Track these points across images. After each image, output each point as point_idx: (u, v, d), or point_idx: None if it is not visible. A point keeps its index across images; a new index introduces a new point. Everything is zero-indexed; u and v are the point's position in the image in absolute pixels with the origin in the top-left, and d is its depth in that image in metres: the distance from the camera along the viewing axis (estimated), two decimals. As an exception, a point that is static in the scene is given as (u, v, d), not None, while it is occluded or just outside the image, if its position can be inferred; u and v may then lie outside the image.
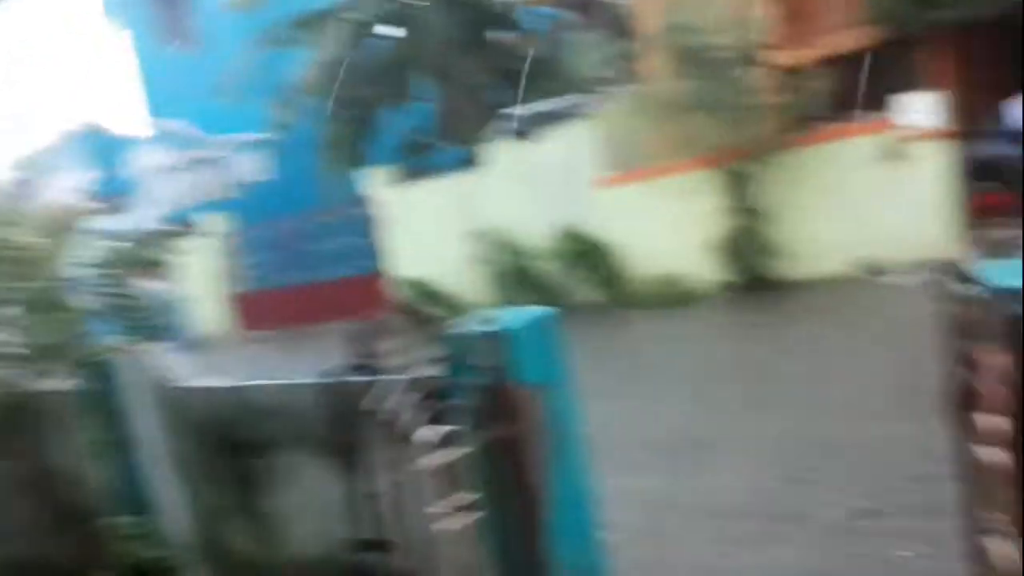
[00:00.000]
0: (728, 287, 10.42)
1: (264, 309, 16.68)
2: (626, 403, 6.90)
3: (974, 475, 1.69)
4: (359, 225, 14.90)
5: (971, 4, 8.89)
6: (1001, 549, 1.55)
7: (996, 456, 1.50)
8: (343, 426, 2.70)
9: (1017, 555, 1.52)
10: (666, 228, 10.80)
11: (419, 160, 16.52)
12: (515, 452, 2.45)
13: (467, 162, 14.18)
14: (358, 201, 14.98)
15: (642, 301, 10.99)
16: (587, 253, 11.39)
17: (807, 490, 4.62)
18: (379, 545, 2.73)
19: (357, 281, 14.77)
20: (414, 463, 2.42)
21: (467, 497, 2.40)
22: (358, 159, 15.58)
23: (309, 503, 3.08)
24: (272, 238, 16.55)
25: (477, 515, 2.42)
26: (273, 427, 3.14)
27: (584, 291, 11.85)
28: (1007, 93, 9.67)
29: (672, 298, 10.61)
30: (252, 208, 17.69)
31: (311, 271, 16.01)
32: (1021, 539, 1.44)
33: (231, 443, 3.36)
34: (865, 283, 9.30)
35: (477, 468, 2.42)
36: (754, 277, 10.12)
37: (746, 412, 6.20)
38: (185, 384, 3.65)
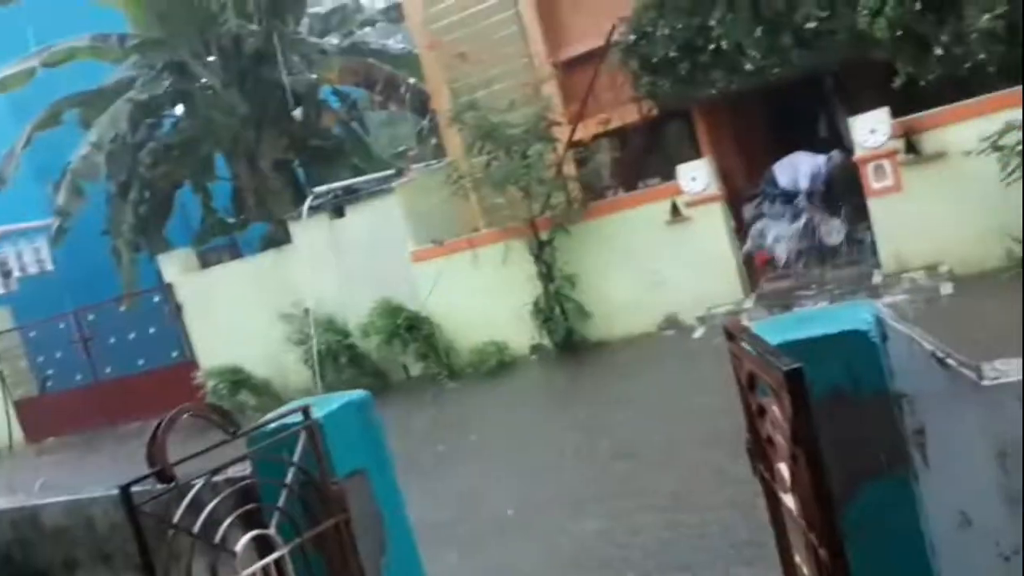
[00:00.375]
0: (543, 350, 10.72)
1: (58, 412, 15.16)
2: (446, 483, 6.86)
3: (779, 525, 1.80)
4: (160, 313, 14.03)
5: (725, 81, 9.84)
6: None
7: (790, 504, 1.61)
8: (147, 540, 2.49)
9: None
10: (482, 298, 10.98)
11: (223, 240, 15.90)
12: (336, 547, 2.35)
13: (273, 241, 13.82)
14: (158, 288, 14.14)
15: (463, 371, 11.07)
16: (406, 327, 11.32)
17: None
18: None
19: (160, 373, 13.82)
20: (229, 573, 2.26)
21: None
22: (155, 242, 14.74)
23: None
24: (63, 333, 15.19)
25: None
26: (66, 548, 2.85)
27: (406, 365, 11.76)
28: (770, 156, 10.74)
29: (492, 366, 10.79)
30: (36, 302, 16.24)
31: (109, 366, 14.82)
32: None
33: (19, 570, 3.00)
34: (666, 339, 9.88)
35: (298, 569, 2.30)
36: (566, 339, 10.50)
37: (560, 486, 6.25)
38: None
